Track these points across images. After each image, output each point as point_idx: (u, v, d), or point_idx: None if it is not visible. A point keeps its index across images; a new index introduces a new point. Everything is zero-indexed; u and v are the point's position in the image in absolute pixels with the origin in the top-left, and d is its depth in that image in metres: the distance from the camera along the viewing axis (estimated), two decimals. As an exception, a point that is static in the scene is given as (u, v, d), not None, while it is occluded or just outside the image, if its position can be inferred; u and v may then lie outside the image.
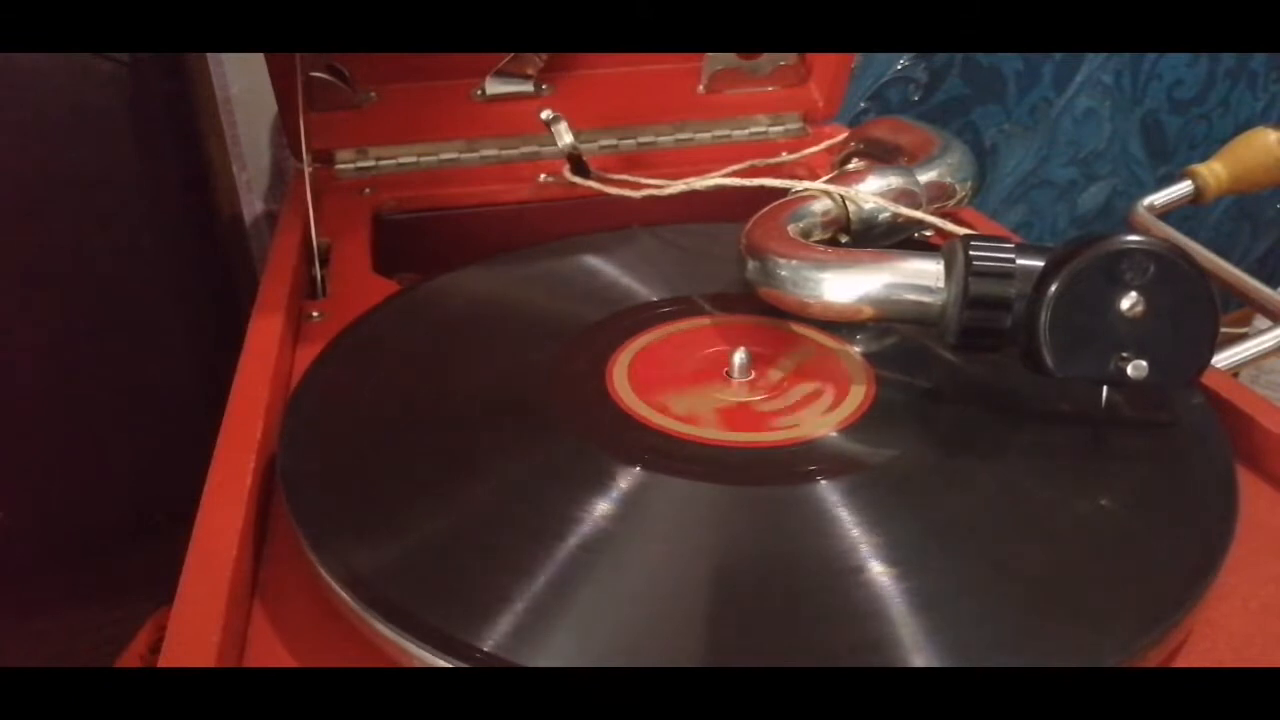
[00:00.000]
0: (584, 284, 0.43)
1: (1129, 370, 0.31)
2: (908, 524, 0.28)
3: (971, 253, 0.32)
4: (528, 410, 0.34)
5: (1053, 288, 0.31)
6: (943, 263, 0.34)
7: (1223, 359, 0.47)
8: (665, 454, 0.31)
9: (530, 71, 0.58)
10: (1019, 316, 0.32)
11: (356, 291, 0.44)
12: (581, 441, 0.32)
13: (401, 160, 0.58)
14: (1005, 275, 0.32)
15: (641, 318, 0.39)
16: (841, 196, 0.41)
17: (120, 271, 0.60)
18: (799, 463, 0.31)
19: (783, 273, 0.36)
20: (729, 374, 0.35)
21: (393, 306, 0.41)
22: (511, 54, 0.57)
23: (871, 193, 0.42)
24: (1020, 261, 0.32)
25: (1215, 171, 0.58)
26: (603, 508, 0.28)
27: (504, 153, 0.58)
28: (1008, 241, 0.33)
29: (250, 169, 0.68)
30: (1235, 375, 0.47)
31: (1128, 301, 0.30)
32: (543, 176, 0.56)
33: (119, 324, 0.61)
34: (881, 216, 0.42)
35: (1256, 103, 1.14)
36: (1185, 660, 0.26)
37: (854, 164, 0.49)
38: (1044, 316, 0.31)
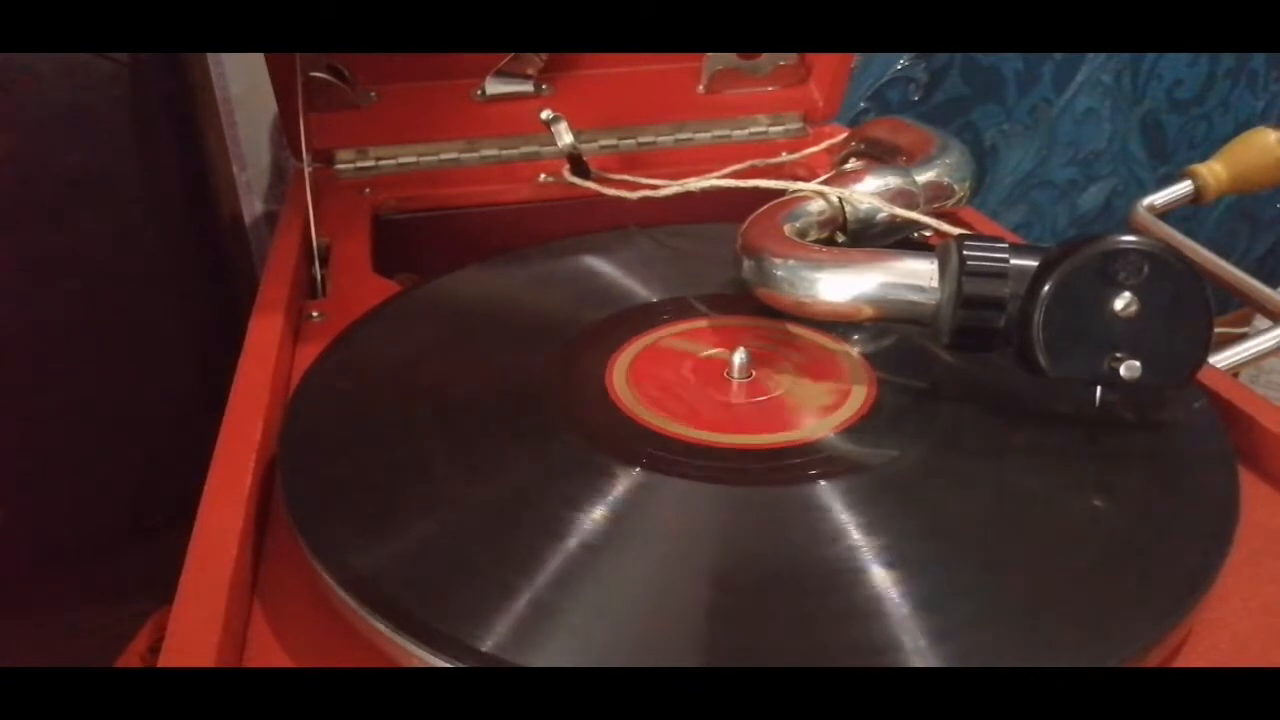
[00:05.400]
0: (584, 284, 0.43)
1: (1122, 370, 0.30)
2: (908, 525, 0.28)
3: (965, 253, 0.32)
4: (528, 411, 0.34)
5: (1046, 288, 0.31)
6: (937, 262, 0.34)
7: (1223, 359, 0.47)
8: (665, 455, 0.31)
9: (530, 71, 0.58)
10: (1013, 316, 0.32)
11: (356, 291, 0.44)
12: (582, 442, 0.32)
13: (401, 160, 0.58)
14: (999, 275, 0.32)
15: (641, 318, 0.39)
16: (838, 197, 0.41)
17: (120, 271, 0.60)
18: (799, 463, 0.31)
19: (778, 272, 0.36)
20: (729, 375, 0.35)
21: (393, 307, 0.41)
22: (511, 54, 0.57)
23: (869, 193, 0.42)
24: (1014, 261, 0.32)
25: (1215, 171, 0.58)
26: (603, 508, 0.28)
27: (504, 153, 0.58)
28: (1002, 241, 0.33)
29: (250, 169, 0.68)
30: (1235, 375, 0.47)
31: (1121, 301, 0.30)
32: (543, 176, 0.56)
33: (119, 324, 0.61)
34: (879, 216, 0.42)
35: (1256, 103, 1.14)
36: (1185, 660, 0.26)
37: (852, 164, 0.49)
38: (1037, 316, 0.31)
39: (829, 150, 0.57)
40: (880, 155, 0.49)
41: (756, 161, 0.56)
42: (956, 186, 0.44)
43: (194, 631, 0.25)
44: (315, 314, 0.42)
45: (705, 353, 0.37)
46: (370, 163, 0.57)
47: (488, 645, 0.24)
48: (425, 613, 0.25)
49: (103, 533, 0.63)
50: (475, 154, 0.58)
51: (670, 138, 0.61)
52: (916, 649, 0.24)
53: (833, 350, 0.38)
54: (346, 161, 0.57)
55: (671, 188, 0.48)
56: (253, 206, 0.69)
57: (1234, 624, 0.27)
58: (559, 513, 0.28)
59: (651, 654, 0.24)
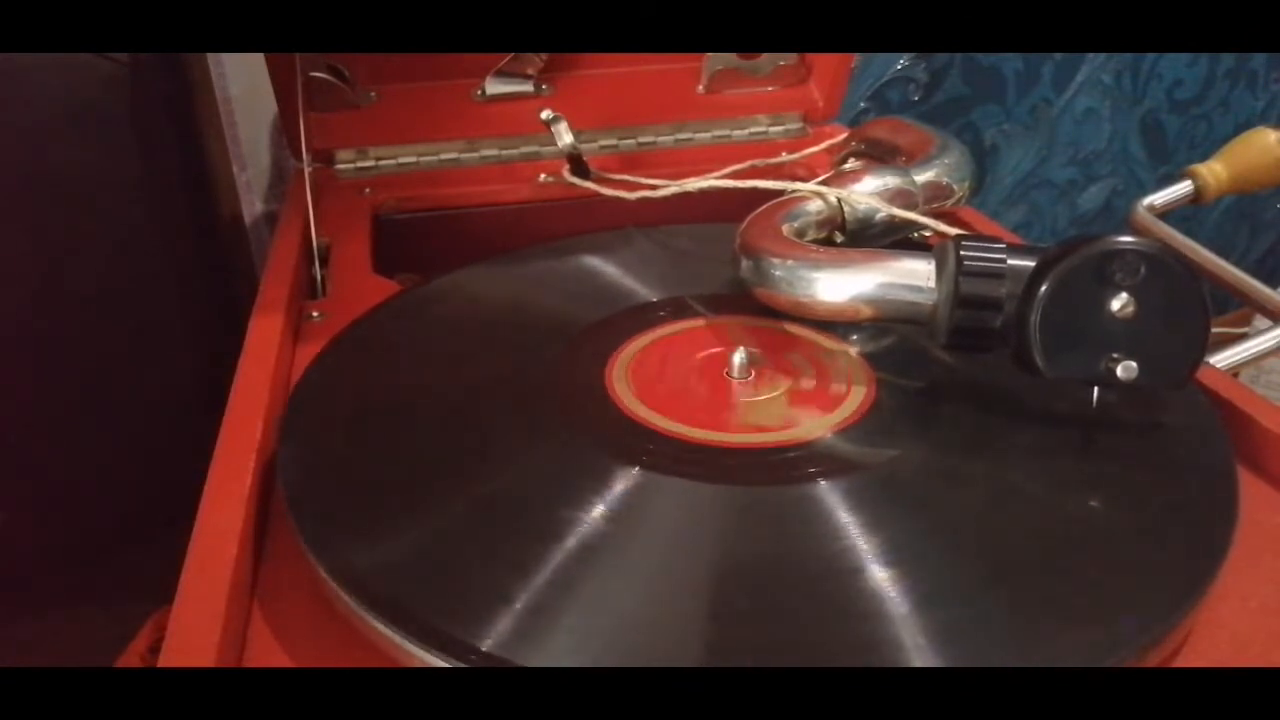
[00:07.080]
0: (583, 284, 0.43)
1: (1119, 371, 0.31)
2: (907, 524, 0.28)
3: (962, 253, 0.32)
4: (527, 410, 0.34)
5: (1043, 288, 0.31)
6: (934, 262, 0.34)
7: (1223, 359, 0.47)
8: (664, 454, 0.31)
9: (530, 71, 0.58)
10: (1010, 317, 0.32)
11: (356, 291, 0.44)
12: (581, 441, 0.32)
13: (401, 160, 0.58)
14: (996, 275, 0.32)
15: (640, 318, 0.39)
16: (836, 197, 0.41)
17: (120, 271, 0.60)
18: (798, 463, 0.31)
19: (776, 272, 0.36)
20: (728, 374, 0.35)
21: (392, 306, 0.41)
22: (511, 54, 0.57)
23: (867, 193, 0.42)
24: (1011, 262, 0.32)
25: (1215, 171, 0.58)
26: (602, 508, 0.28)
27: (504, 153, 0.58)
28: (999, 242, 0.33)
29: (250, 169, 0.68)
30: (1235, 375, 0.47)
31: (1118, 302, 0.30)
32: (543, 176, 0.56)
33: (118, 324, 0.61)
34: (878, 217, 0.42)
35: (1256, 103, 1.14)
36: (1185, 660, 0.26)
37: (851, 164, 0.49)
38: (1034, 317, 0.31)
39: (829, 150, 0.57)
40: (880, 155, 0.49)
41: (756, 161, 0.56)
42: (956, 186, 0.44)
43: (194, 631, 0.25)
44: (315, 314, 0.42)
45: (704, 353, 0.37)
46: (370, 163, 0.57)
47: (488, 645, 0.24)
48: (425, 612, 0.25)
49: (103, 533, 0.63)
50: (475, 154, 0.58)
51: (670, 138, 0.61)
52: (916, 648, 0.24)
53: (831, 350, 0.38)
54: (346, 161, 0.57)
55: (670, 188, 0.48)
56: (253, 206, 0.69)
57: (1233, 624, 0.27)
58: (558, 512, 0.28)
59: (651, 654, 0.24)
